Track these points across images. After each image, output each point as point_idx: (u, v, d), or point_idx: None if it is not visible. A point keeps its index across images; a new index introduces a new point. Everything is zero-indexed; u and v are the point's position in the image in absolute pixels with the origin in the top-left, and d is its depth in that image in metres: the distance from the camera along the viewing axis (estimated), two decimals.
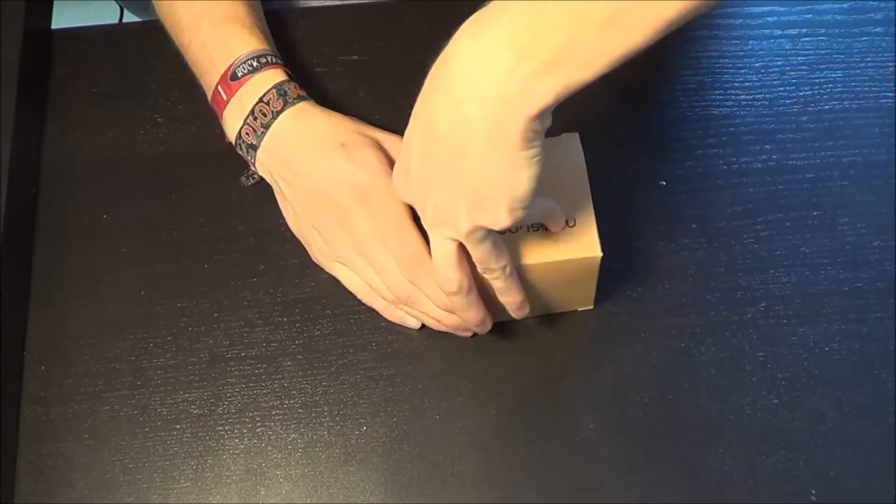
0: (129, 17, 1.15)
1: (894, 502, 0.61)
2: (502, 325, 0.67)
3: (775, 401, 0.64)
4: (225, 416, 0.65)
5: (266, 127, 0.64)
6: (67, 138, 0.75)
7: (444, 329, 0.65)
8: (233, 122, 0.66)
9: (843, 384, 0.64)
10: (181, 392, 0.66)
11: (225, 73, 0.65)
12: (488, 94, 0.45)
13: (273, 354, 0.67)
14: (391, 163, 0.63)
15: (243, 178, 0.70)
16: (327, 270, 0.67)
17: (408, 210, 0.61)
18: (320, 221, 0.64)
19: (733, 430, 0.63)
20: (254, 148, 0.65)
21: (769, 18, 0.76)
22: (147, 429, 0.65)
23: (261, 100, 0.64)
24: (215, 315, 0.68)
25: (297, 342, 0.67)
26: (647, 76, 0.74)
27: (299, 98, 0.65)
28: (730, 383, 0.64)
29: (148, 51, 0.78)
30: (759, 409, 0.63)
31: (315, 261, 0.67)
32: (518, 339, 0.67)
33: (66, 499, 0.63)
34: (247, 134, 0.65)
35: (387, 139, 0.65)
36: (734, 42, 0.75)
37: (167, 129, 0.74)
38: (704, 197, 0.70)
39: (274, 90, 0.64)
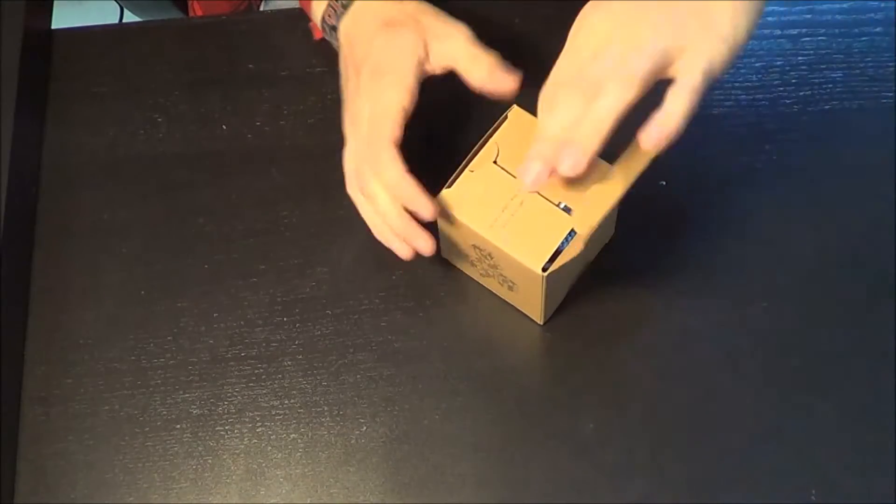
0: (129, 17, 1.15)
1: (894, 502, 0.61)
2: (501, 325, 0.67)
3: (775, 401, 0.64)
4: (225, 416, 0.65)
5: (345, 7, 0.64)
6: (67, 138, 0.75)
7: (380, 234, 0.63)
8: (318, 9, 0.66)
9: (843, 384, 0.64)
10: (181, 392, 0.66)
11: None
12: None
13: (273, 354, 0.67)
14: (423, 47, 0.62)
15: None
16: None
17: (400, 109, 0.60)
18: (345, 91, 0.64)
19: (733, 430, 0.63)
20: (335, 29, 0.65)
21: (769, 18, 0.75)
22: (147, 429, 0.65)
23: None
24: (215, 315, 0.68)
25: (297, 342, 0.67)
26: None
27: None
28: (730, 383, 0.64)
29: (148, 51, 0.78)
30: (759, 409, 0.63)
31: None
32: (518, 339, 0.67)
33: (66, 499, 0.63)
34: (329, 16, 0.65)
35: (435, 27, 0.63)
36: None
37: (167, 129, 0.74)
38: (704, 197, 0.70)
39: None
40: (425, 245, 0.60)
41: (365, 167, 0.61)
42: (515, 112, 0.62)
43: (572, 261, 0.59)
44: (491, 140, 0.61)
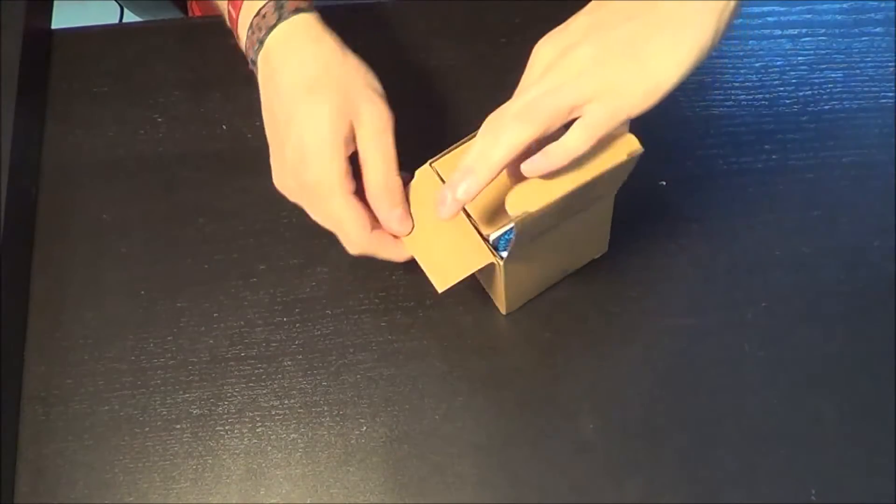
0: (129, 17, 1.15)
1: (894, 502, 0.61)
2: (502, 324, 0.67)
3: (775, 401, 0.64)
4: (225, 416, 0.65)
5: (261, 42, 0.60)
6: (67, 138, 0.75)
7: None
8: (242, 39, 0.62)
9: (843, 384, 0.64)
10: (181, 392, 0.66)
11: None
12: None
13: (273, 354, 0.67)
14: (345, 119, 0.58)
15: None
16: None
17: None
18: (268, 122, 0.61)
19: (733, 430, 0.63)
20: (255, 63, 0.61)
21: (769, 18, 0.76)
22: (147, 429, 0.65)
23: (259, 12, 0.60)
24: (215, 315, 0.68)
25: (297, 342, 0.67)
26: None
27: (297, 11, 0.60)
28: (730, 383, 0.64)
29: (148, 51, 0.78)
30: (759, 409, 0.63)
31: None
32: (518, 339, 0.67)
33: (65, 499, 0.63)
34: (248, 48, 0.61)
35: (362, 110, 0.59)
36: (734, 42, 0.75)
37: (167, 129, 0.74)
38: (704, 197, 0.70)
39: (272, 2, 0.59)
40: (400, 255, 0.61)
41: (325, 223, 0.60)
42: None
43: (530, 256, 0.59)
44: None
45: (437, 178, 0.59)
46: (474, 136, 0.59)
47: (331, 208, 0.59)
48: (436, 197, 0.56)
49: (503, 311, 0.66)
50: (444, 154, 0.60)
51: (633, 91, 0.52)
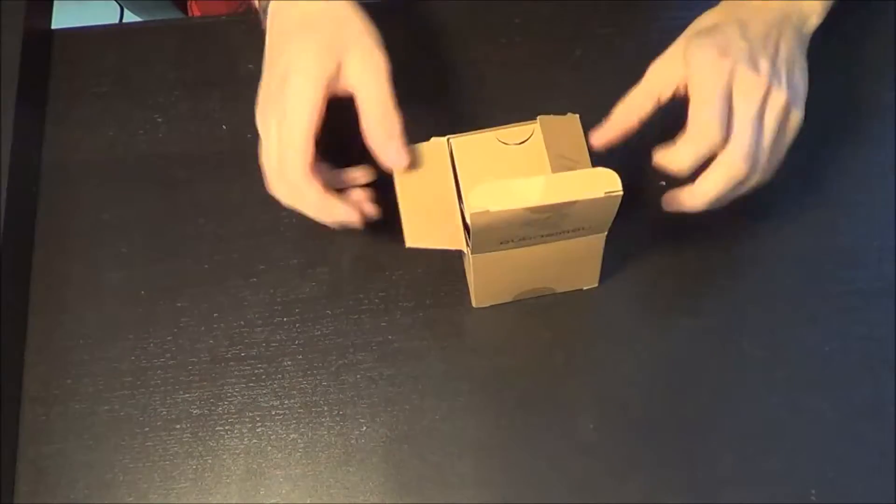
0: (129, 17, 1.15)
1: (894, 502, 0.61)
2: (502, 324, 0.67)
3: (775, 401, 0.64)
4: (225, 416, 0.65)
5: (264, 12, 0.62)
6: (67, 138, 0.75)
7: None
8: None
9: (843, 384, 0.64)
10: (181, 392, 0.66)
11: None
12: None
13: (273, 354, 0.67)
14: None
15: None
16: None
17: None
18: (262, 84, 0.62)
19: (733, 430, 0.63)
20: (265, 13, 0.63)
21: None
22: (147, 429, 0.65)
23: None
24: (215, 315, 0.68)
25: (297, 342, 0.67)
26: None
27: None
28: (730, 383, 0.64)
29: (148, 51, 0.78)
30: (759, 409, 0.63)
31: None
32: (518, 338, 0.67)
33: (65, 499, 0.63)
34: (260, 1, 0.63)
35: (356, 44, 0.59)
36: None
37: (167, 129, 0.74)
38: None
39: None
40: (356, 217, 0.61)
41: (282, 188, 0.60)
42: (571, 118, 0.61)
43: (503, 260, 0.60)
44: (532, 124, 0.61)
45: (448, 152, 0.60)
46: (498, 128, 0.60)
47: (290, 135, 0.58)
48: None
49: (473, 303, 0.66)
50: (464, 135, 0.60)
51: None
